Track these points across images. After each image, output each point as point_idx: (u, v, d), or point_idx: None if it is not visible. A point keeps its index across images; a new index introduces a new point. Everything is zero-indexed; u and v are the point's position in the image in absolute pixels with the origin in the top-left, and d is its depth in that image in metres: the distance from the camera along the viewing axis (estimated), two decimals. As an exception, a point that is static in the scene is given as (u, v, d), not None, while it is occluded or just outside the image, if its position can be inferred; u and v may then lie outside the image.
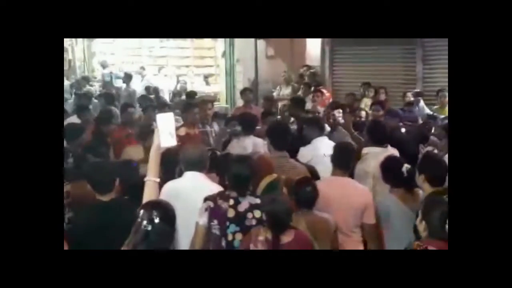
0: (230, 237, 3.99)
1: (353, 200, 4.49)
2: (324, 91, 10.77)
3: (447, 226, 2.81)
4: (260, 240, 3.68)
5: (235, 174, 4.08)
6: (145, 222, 2.79)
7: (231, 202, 4.01)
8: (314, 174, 5.07)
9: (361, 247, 4.52)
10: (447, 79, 10.72)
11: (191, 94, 11.25)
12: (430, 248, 2.87)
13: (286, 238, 3.68)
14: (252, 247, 3.69)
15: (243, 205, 4.01)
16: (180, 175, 4.60)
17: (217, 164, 4.82)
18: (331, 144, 5.97)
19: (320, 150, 5.79)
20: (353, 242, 4.48)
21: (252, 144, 6.16)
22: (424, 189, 4.23)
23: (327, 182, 4.66)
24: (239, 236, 3.97)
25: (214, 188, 4.35)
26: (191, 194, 4.23)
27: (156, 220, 2.79)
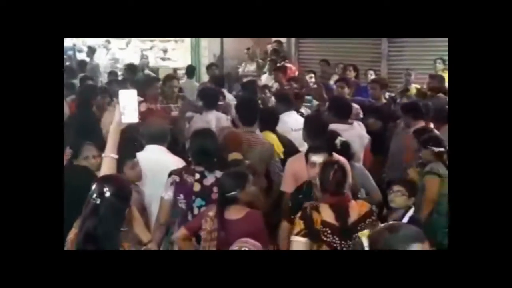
0: (196, 211, 3.98)
1: None
2: (289, 65, 10.71)
3: (333, 180, 3.64)
4: (210, 215, 3.71)
5: (197, 149, 4.04)
6: (94, 196, 2.76)
7: (197, 176, 3.99)
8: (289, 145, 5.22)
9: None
10: (413, 58, 10.88)
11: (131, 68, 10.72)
12: (322, 204, 3.66)
13: (234, 215, 3.71)
14: (203, 222, 3.72)
15: (209, 180, 3.99)
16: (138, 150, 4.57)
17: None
18: (300, 119, 5.99)
19: (288, 125, 5.83)
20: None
21: (216, 119, 6.13)
22: None
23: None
24: (205, 210, 3.95)
25: (176, 160, 4.36)
26: (153, 167, 4.21)
27: (107, 195, 2.75)
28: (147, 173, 4.13)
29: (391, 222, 2.70)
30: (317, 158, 4.11)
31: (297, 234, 3.62)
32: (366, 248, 2.34)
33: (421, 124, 5.90)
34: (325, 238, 3.58)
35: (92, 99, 6.75)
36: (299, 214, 3.68)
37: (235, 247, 3.08)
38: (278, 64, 10.72)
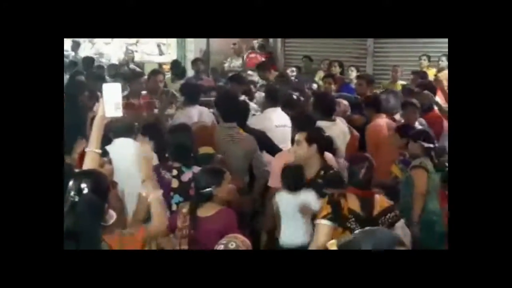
0: (174, 208, 3.94)
1: None
2: (257, 55, 10.61)
3: (364, 177, 3.69)
4: (183, 212, 3.68)
5: (173, 144, 3.99)
6: (72, 193, 2.71)
7: (175, 172, 3.95)
8: (266, 140, 5.15)
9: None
10: (399, 55, 10.86)
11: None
12: (348, 193, 3.70)
13: (205, 213, 3.68)
14: (177, 219, 3.69)
15: (187, 175, 3.94)
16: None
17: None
18: (284, 115, 5.93)
19: (272, 121, 5.76)
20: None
21: (198, 113, 6.08)
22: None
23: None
24: (183, 207, 3.89)
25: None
26: (124, 162, 4.13)
27: (85, 191, 2.71)
28: (119, 168, 4.05)
29: (365, 228, 2.63)
30: (298, 136, 4.23)
31: (323, 218, 3.66)
32: None
33: (382, 117, 5.92)
34: (349, 225, 3.64)
35: (80, 94, 6.68)
36: (326, 199, 3.75)
37: (224, 241, 3.03)
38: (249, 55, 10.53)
